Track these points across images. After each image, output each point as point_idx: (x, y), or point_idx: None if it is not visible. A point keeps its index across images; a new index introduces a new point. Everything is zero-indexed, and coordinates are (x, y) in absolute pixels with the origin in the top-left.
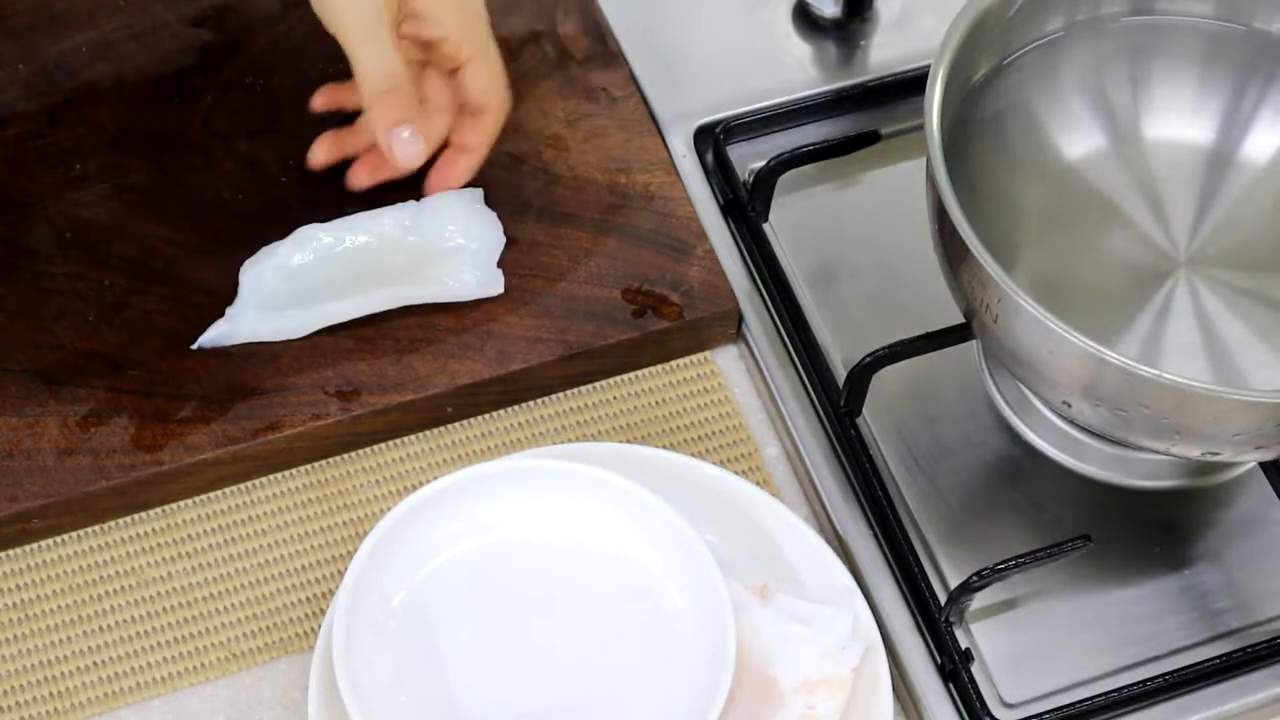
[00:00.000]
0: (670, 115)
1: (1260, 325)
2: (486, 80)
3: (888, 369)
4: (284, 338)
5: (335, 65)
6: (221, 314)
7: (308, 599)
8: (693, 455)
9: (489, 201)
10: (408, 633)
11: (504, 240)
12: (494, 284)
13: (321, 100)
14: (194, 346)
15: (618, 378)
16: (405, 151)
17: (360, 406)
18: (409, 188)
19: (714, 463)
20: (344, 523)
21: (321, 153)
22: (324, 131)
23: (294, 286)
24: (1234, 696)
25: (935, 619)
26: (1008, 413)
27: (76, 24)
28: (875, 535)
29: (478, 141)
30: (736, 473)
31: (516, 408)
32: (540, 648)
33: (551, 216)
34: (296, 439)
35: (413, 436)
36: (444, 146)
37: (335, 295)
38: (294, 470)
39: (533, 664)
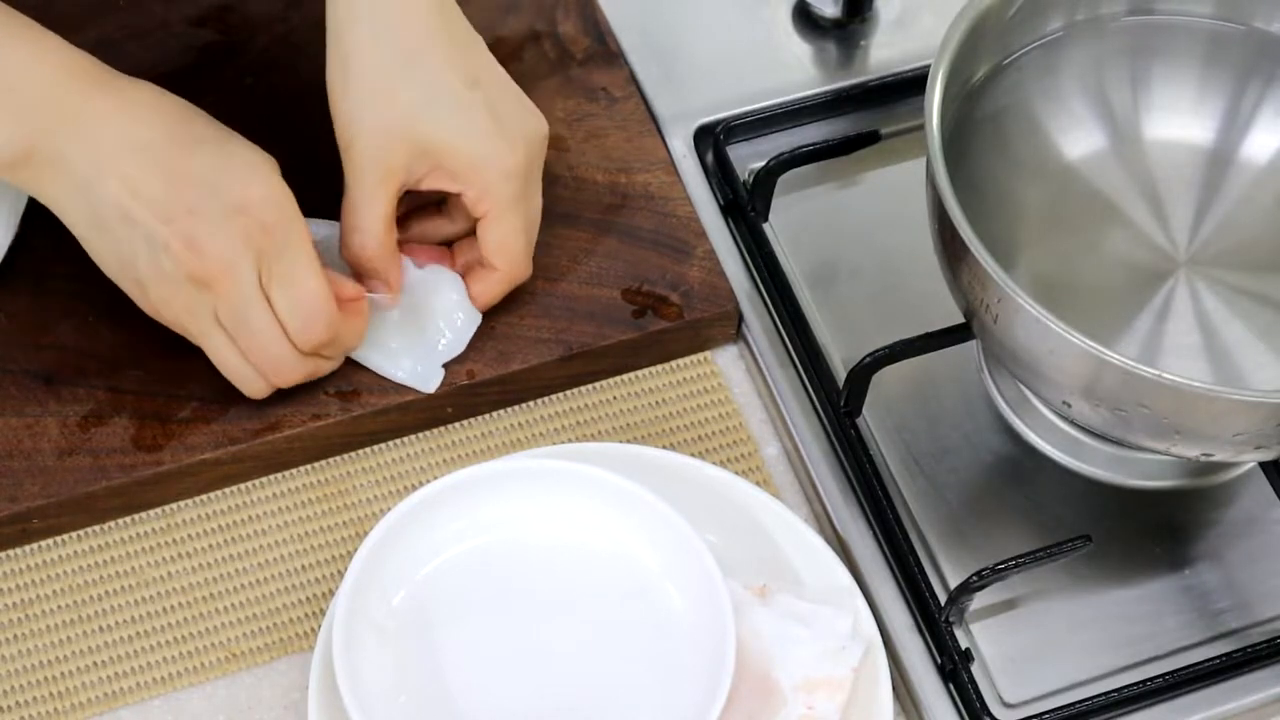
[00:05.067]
0: (670, 115)
1: (1260, 325)
2: (498, 239)
3: (888, 369)
4: None
5: None
6: None
7: (308, 599)
8: (693, 455)
9: None
10: (408, 633)
11: (463, 349)
12: (428, 381)
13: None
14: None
15: (618, 378)
16: (377, 306)
17: (360, 406)
18: None
19: (714, 463)
20: (344, 523)
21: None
22: (325, 133)
23: None
24: (1234, 696)
25: (935, 619)
26: (1008, 413)
27: (76, 24)
28: (875, 535)
29: (480, 292)
30: (736, 473)
31: (516, 408)
32: (540, 648)
33: (551, 216)
34: (296, 439)
35: (413, 436)
36: None
37: None
38: (294, 470)
39: (533, 664)
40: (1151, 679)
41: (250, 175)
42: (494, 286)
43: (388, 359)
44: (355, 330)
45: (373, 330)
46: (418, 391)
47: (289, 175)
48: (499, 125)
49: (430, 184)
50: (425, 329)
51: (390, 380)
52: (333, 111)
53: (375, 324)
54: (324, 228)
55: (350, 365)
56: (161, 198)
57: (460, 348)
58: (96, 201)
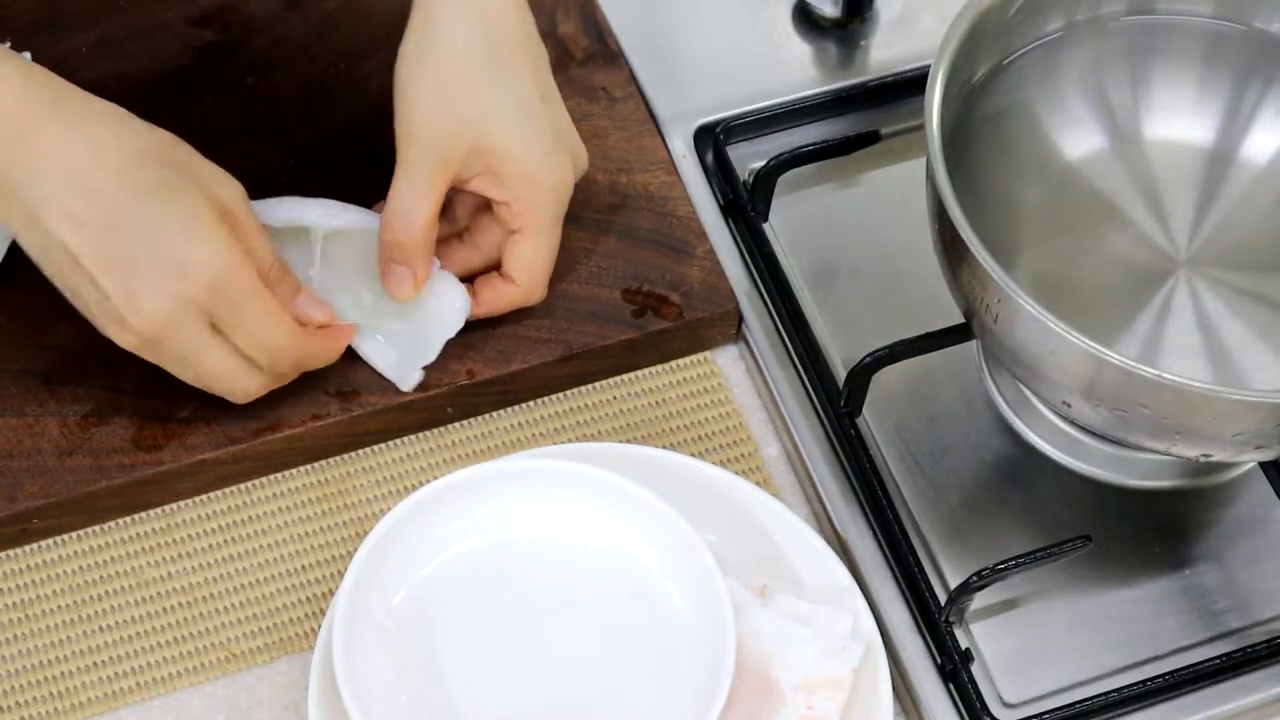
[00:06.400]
0: (670, 115)
1: (1260, 325)
2: (527, 257)
3: (888, 369)
4: None
5: (337, 65)
6: None
7: (308, 599)
8: (693, 455)
9: None
10: (408, 633)
11: (436, 355)
12: (407, 379)
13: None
14: None
15: (618, 378)
16: (391, 286)
17: (360, 406)
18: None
19: (714, 463)
20: (344, 523)
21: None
22: (325, 133)
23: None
24: (1234, 696)
25: (935, 619)
26: (1008, 413)
27: (77, 24)
28: (875, 535)
29: (488, 300)
30: (736, 473)
31: (516, 408)
32: (540, 648)
33: None
34: (296, 439)
35: (413, 436)
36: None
37: None
38: (294, 470)
39: (533, 664)
40: (1151, 679)
41: (191, 233)
42: (506, 300)
43: (377, 348)
44: (329, 353)
45: (371, 318)
46: (419, 390)
47: (290, 175)
48: (559, 144)
49: (476, 186)
50: (419, 330)
51: (390, 380)
52: (398, 89)
53: (377, 312)
54: (347, 215)
55: (349, 365)
56: (103, 245)
57: (434, 356)
58: (44, 236)
